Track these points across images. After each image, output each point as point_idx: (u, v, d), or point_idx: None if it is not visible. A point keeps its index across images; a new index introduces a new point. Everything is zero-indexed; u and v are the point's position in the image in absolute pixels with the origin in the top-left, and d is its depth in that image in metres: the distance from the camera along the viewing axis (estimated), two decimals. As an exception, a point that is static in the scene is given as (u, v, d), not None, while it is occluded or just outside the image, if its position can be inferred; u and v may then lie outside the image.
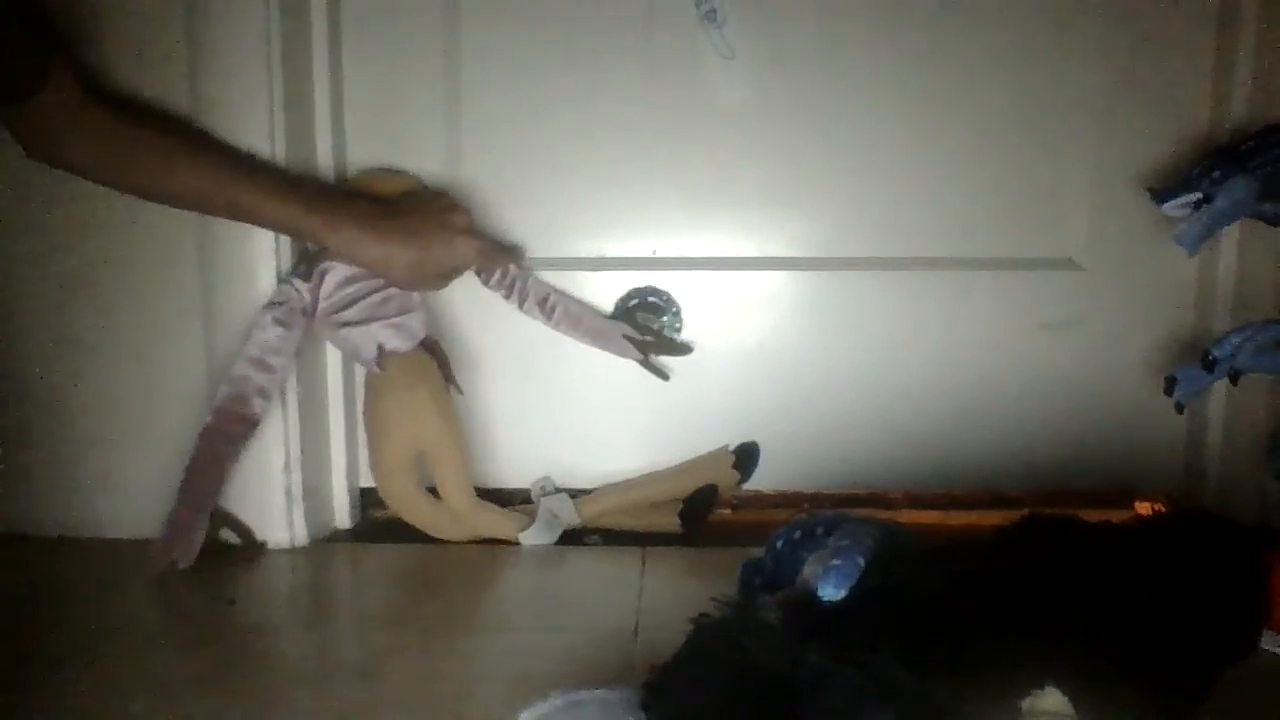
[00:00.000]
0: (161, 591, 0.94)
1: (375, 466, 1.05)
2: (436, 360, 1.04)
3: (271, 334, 0.97)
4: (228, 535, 1.02)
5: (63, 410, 1.03)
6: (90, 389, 1.03)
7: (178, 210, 0.97)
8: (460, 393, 1.07)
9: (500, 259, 1.04)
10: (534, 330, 1.09)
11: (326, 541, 1.07)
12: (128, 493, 1.04)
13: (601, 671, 0.76)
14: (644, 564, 1.00)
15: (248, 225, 0.97)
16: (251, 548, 1.02)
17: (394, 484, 1.04)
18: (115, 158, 0.89)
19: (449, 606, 0.94)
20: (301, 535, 1.04)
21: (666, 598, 0.91)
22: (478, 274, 1.05)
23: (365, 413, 1.05)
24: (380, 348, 1.00)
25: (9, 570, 0.97)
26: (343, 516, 1.11)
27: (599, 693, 0.68)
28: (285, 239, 1.00)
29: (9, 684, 0.75)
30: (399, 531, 1.09)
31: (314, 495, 1.06)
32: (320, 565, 1.02)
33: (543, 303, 1.05)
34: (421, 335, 1.03)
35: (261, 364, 0.97)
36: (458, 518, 1.04)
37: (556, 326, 1.06)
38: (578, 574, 1.00)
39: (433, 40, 1.07)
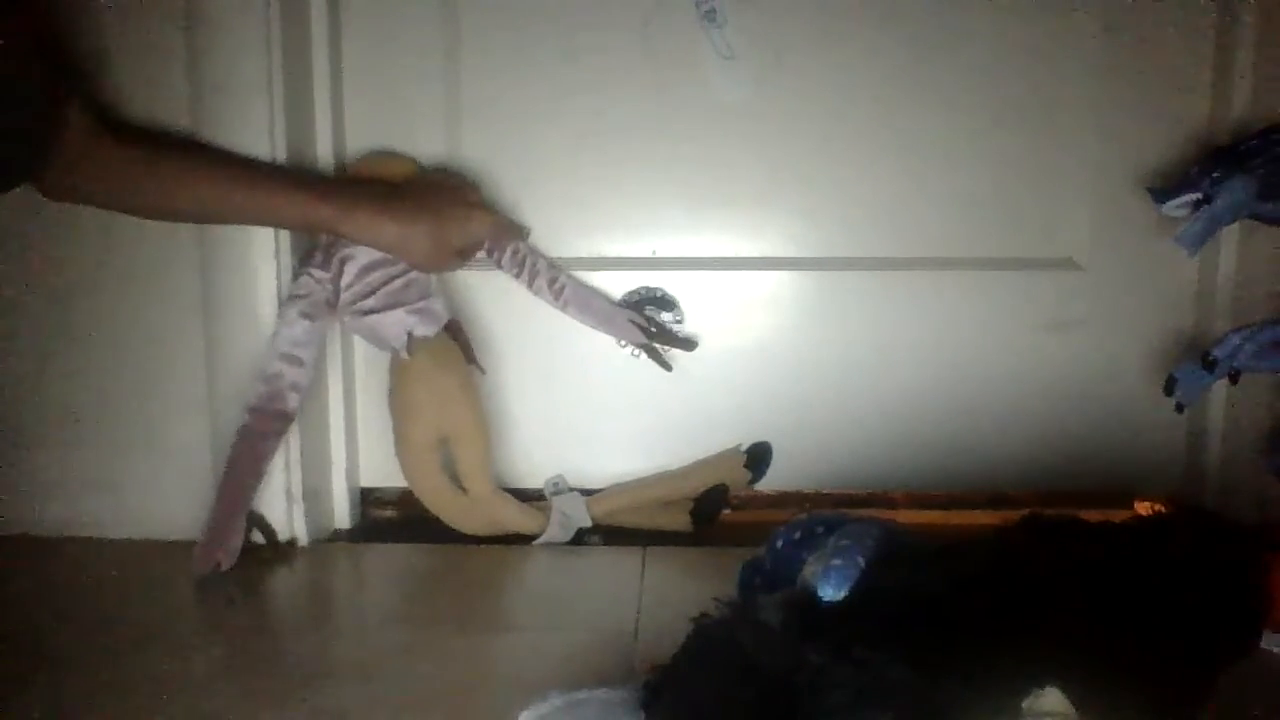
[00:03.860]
0: (161, 591, 0.94)
1: (400, 449, 1.05)
2: (459, 343, 1.04)
3: (299, 328, 0.98)
4: (255, 535, 1.02)
5: (63, 410, 1.04)
6: (91, 390, 1.03)
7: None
8: (483, 373, 1.07)
9: (511, 234, 1.05)
10: (539, 333, 1.09)
11: (326, 541, 1.07)
12: (127, 493, 1.04)
13: (601, 671, 0.76)
14: (644, 564, 1.00)
15: (249, 226, 0.97)
16: (277, 548, 1.02)
17: (418, 467, 1.04)
18: (127, 187, 0.89)
19: (449, 606, 0.94)
20: (301, 535, 1.04)
21: (666, 598, 0.91)
22: (489, 254, 1.04)
23: (390, 397, 1.05)
24: (409, 334, 1.00)
25: (9, 570, 0.97)
26: (343, 516, 1.11)
27: (599, 693, 0.68)
28: (286, 240, 1.00)
29: (8, 683, 0.76)
30: (399, 531, 1.09)
31: (314, 495, 1.06)
32: (320, 565, 1.02)
33: (552, 283, 1.05)
34: (446, 318, 1.03)
35: (292, 359, 0.98)
36: (476, 505, 1.04)
37: (564, 308, 1.06)
38: (578, 574, 1.00)
39: (432, 41, 1.07)
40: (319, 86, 1.05)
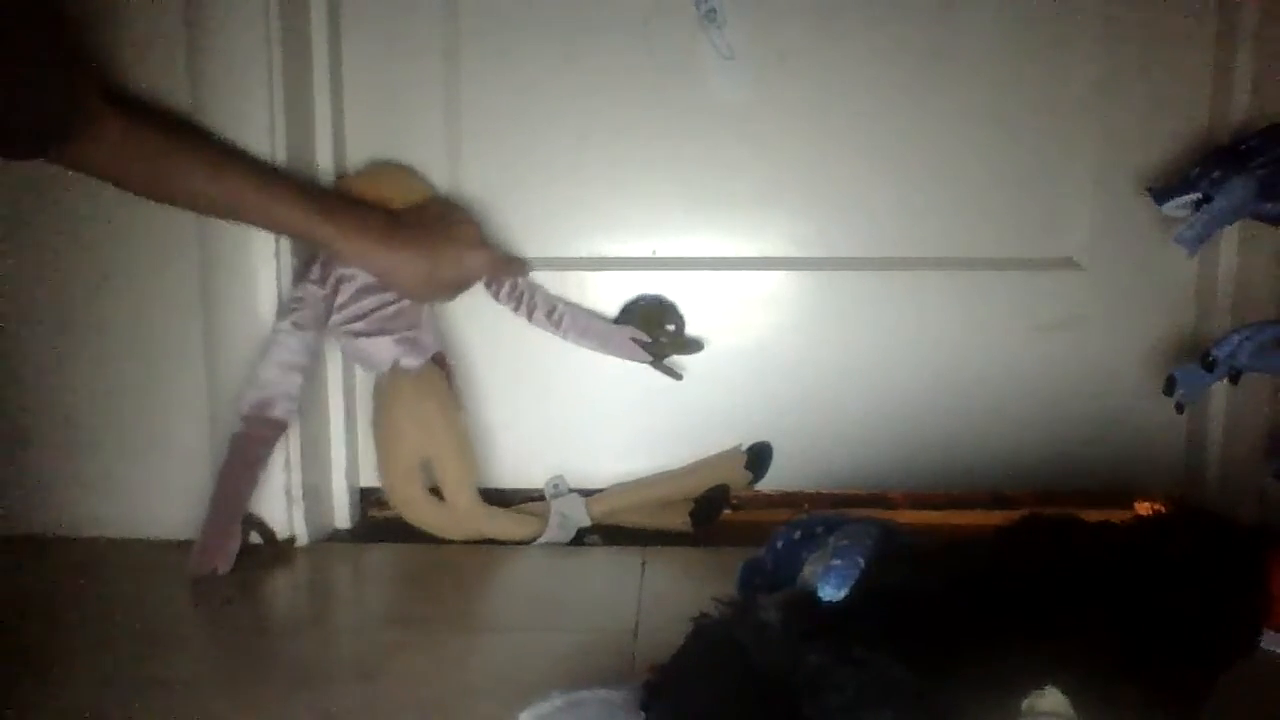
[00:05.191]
0: (161, 591, 0.94)
1: (383, 472, 1.06)
2: (444, 370, 1.05)
3: (294, 338, 0.99)
4: (252, 536, 1.02)
5: (63, 410, 1.04)
6: (90, 390, 1.03)
7: (178, 212, 0.97)
8: (460, 409, 1.08)
9: (508, 271, 1.05)
10: (538, 333, 1.09)
11: (326, 541, 1.07)
12: (127, 493, 1.04)
13: (601, 671, 0.76)
14: (644, 564, 1.00)
15: (249, 228, 0.97)
16: (274, 547, 1.02)
17: (401, 489, 1.05)
18: (133, 166, 0.88)
19: (449, 606, 0.94)
20: (301, 535, 1.04)
21: (666, 598, 0.91)
22: (487, 286, 1.05)
23: (374, 420, 1.06)
24: (395, 364, 1.01)
25: (9, 570, 0.97)
26: (343, 516, 1.11)
27: (599, 693, 0.68)
28: (285, 243, 1.00)
29: (8, 683, 0.75)
30: (399, 531, 1.09)
31: (314, 495, 1.06)
32: (320, 565, 1.02)
33: (550, 313, 1.06)
34: (433, 350, 1.04)
35: (287, 367, 0.98)
36: (462, 522, 1.05)
37: (565, 336, 1.07)
38: (578, 574, 1.00)
39: (432, 41, 1.07)
40: (319, 87, 1.05)
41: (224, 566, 0.96)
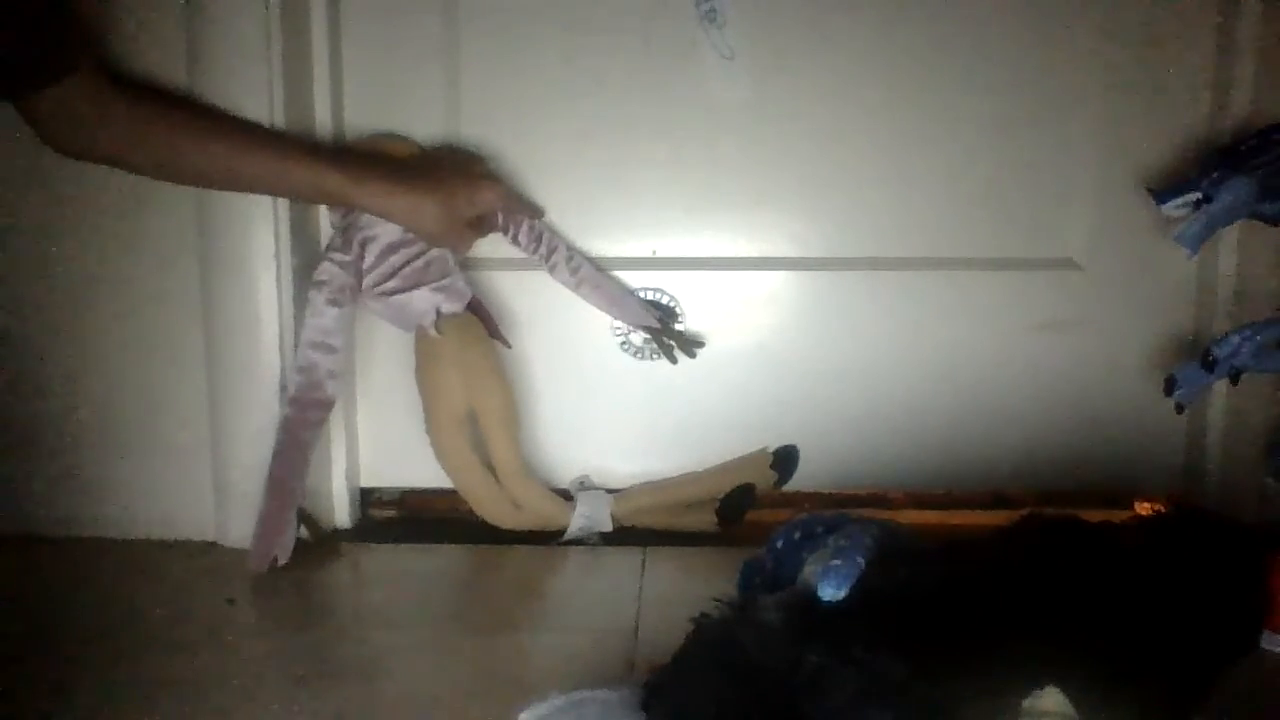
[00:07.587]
0: (161, 592, 0.94)
1: (430, 428, 1.04)
2: (481, 318, 1.05)
3: (327, 316, 0.99)
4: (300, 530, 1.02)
5: (63, 411, 1.03)
6: (90, 390, 1.03)
7: (179, 212, 0.97)
8: (509, 347, 1.07)
9: (522, 209, 1.05)
10: (542, 337, 1.09)
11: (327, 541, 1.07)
12: (128, 493, 1.04)
13: (601, 671, 0.76)
14: (644, 564, 1.00)
15: (248, 225, 0.98)
16: (321, 541, 1.03)
17: (447, 442, 1.04)
18: (140, 144, 0.88)
19: (448, 606, 0.94)
20: (301, 534, 1.03)
21: (666, 598, 0.91)
22: (505, 232, 1.05)
23: (417, 373, 1.04)
24: (437, 311, 1.00)
25: (9, 570, 0.97)
26: (343, 516, 1.11)
27: (599, 693, 0.68)
28: (285, 243, 1.00)
29: (8, 683, 0.76)
30: (399, 531, 1.09)
31: (314, 495, 1.05)
32: (320, 565, 1.02)
33: (568, 260, 1.06)
34: (469, 295, 1.03)
35: (325, 347, 0.98)
36: (505, 483, 1.04)
37: (579, 288, 1.06)
38: (578, 574, 1.00)
39: (431, 41, 1.07)
40: (319, 94, 1.05)
41: (284, 556, 0.97)
